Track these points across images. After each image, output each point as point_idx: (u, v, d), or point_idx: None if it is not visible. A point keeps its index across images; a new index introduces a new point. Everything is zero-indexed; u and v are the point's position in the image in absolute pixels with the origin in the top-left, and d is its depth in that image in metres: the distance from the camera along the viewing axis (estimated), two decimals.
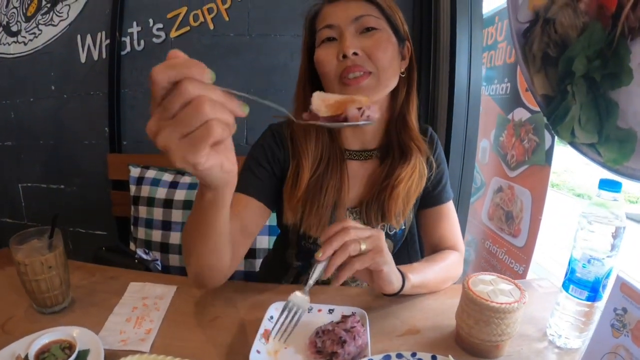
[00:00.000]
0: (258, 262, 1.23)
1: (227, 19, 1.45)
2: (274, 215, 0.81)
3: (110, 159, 1.50)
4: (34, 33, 1.56)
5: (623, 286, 0.46)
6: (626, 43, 0.69)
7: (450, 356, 0.50)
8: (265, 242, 1.24)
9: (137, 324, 0.61)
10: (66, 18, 1.52)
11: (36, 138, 1.64)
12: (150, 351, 0.55)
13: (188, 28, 1.47)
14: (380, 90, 0.68)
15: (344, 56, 0.64)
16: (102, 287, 0.72)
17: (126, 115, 1.53)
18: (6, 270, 0.75)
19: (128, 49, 1.48)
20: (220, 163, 0.37)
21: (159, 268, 1.24)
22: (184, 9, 1.45)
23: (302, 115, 0.51)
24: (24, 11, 1.57)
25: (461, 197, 1.35)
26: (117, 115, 1.51)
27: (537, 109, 1.03)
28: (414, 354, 0.52)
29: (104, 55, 1.50)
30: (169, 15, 1.46)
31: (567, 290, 0.58)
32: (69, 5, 1.51)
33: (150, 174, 1.35)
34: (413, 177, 0.72)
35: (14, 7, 1.58)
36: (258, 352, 0.52)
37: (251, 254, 1.24)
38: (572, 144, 0.85)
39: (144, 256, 1.17)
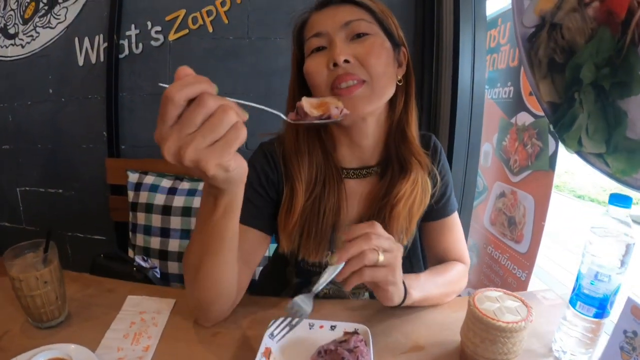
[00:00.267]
0: (258, 269, 1.21)
1: (226, 21, 1.44)
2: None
3: (108, 164, 1.49)
4: (32, 36, 1.54)
5: (634, 309, 0.44)
6: (636, 51, 0.67)
7: None
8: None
9: (134, 341, 0.60)
10: (64, 20, 1.50)
11: (34, 142, 1.63)
12: None
13: (187, 31, 1.45)
14: (374, 100, 0.63)
15: (335, 64, 0.60)
16: (99, 300, 0.71)
17: (124, 119, 1.52)
18: (2, 281, 0.73)
19: (126, 52, 1.47)
20: (241, 161, 0.41)
21: (158, 275, 1.23)
22: (182, 12, 1.43)
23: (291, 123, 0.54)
24: (22, 13, 1.55)
25: (464, 202, 1.34)
26: (115, 119, 1.49)
27: (541, 113, 1.01)
28: None
29: (102, 59, 1.48)
30: (168, 18, 1.44)
31: (574, 307, 0.56)
32: (66, 7, 1.49)
33: (149, 179, 1.34)
34: (414, 194, 0.69)
35: (12, 10, 1.56)
36: None
37: None
38: (579, 153, 0.83)
39: (143, 263, 1.16)
